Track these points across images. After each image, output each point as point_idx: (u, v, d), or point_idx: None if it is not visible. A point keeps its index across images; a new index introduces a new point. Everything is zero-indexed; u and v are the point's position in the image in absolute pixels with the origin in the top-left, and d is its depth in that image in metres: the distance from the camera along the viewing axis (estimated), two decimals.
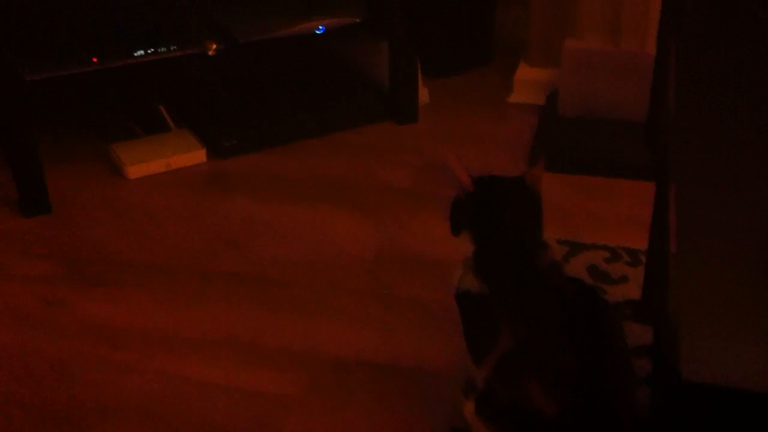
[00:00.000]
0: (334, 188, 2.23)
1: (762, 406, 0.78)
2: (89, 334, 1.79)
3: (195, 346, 1.75)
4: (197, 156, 2.34)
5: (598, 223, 2.06)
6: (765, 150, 1.09)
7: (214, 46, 2.25)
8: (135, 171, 2.28)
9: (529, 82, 2.60)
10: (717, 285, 0.89)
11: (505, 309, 1.29)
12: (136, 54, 2.20)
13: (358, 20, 2.41)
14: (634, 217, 2.03)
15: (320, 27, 2.37)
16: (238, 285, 1.91)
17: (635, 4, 2.29)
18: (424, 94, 2.58)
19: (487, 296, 1.33)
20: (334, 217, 2.12)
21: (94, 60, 2.16)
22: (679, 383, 0.78)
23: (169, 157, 2.31)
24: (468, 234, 1.41)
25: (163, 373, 1.69)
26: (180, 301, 1.87)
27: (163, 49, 2.22)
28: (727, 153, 1.10)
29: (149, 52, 2.21)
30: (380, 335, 1.76)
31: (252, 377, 1.67)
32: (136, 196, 2.22)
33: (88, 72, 2.16)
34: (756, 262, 0.91)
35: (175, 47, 2.24)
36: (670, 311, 0.92)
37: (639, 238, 1.84)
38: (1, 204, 2.17)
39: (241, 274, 1.94)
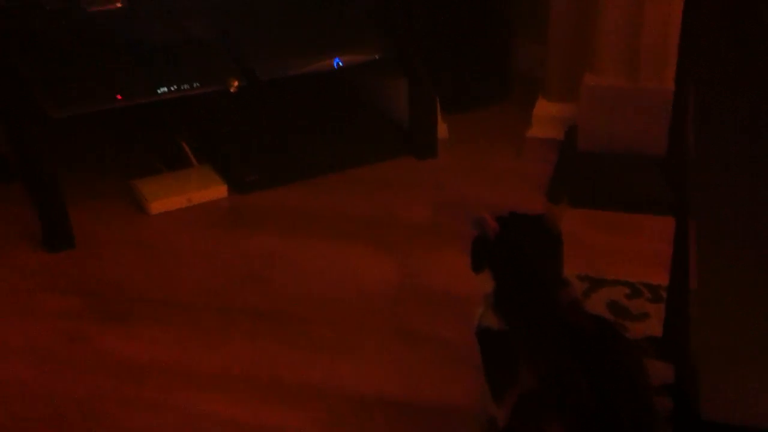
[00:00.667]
0: (354, 224, 2.24)
1: None
2: (112, 370, 1.79)
3: (216, 382, 1.75)
4: (218, 191, 2.37)
5: (618, 258, 2.05)
6: None
7: (236, 83, 2.28)
8: (157, 206, 2.30)
9: (547, 117, 2.61)
10: (737, 323, 0.89)
11: (525, 347, 1.29)
12: (159, 91, 2.23)
13: (376, 56, 2.43)
14: (654, 252, 2.02)
15: (339, 63, 2.39)
16: (259, 321, 1.91)
17: (653, 40, 2.30)
18: (442, 129, 2.60)
19: (507, 334, 1.33)
20: (355, 253, 2.13)
21: (119, 97, 2.19)
22: (699, 422, 0.78)
23: (190, 192, 2.33)
24: (489, 271, 1.41)
25: (185, 410, 1.69)
26: (201, 337, 1.88)
27: (185, 86, 2.25)
28: (746, 189, 1.10)
29: (172, 89, 2.24)
30: (400, 372, 1.76)
31: (272, 414, 1.67)
32: (159, 231, 2.24)
33: (112, 109, 2.18)
34: None
35: (198, 84, 2.26)
36: (691, 349, 0.92)
37: (660, 274, 1.84)
38: (25, 240, 2.19)
39: (262, 310, 1.95)
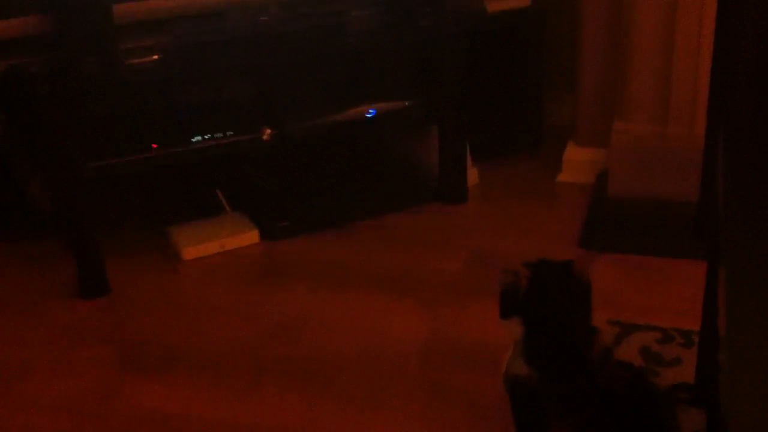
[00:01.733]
0: (384, 273, 2.25)
1: None
2: (144, 421, 1.80)
3: None
4: (250, 237, 2.39)
5: (649, 303, 2.05)
6: None
7: (269, 132, 2.31)
8: (190, 252, 2.33)
9: (577, 161, 2.62)
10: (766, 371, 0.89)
11: (555, 400, 1.29)
12: (193, 140, 2.27)
13: (407, 104, 2.46)
14: (686, 297, 2.01)
15: (371, 111, 2.43)
16: (289, 374, 1.91)
17: (683, 86, 2.31)
18: (473, 176, 2.61)
19: (536, 382, 1.32)
20: (385, 304, 2.13)
21: (154, 146, 2.24)
22: None
23: (223, 238, 2.37)
24: (518, 318, 1.41)
25: None
26: (233, 390, 1.88)
27: (219, 135, 2.29)
28: None
29: (206, 138, 2.28)
30: (432, 426, 1.74)
31: None
32: (192, 281, 2.27)
33: (148, 158, 2.23)
34: None
35: (231, 133, 2.30)
36: (721, 397, 0.91)
37: (692, 319, 1.82)
38: (61, 293, 2.22)
39: (292, 363, 1.95)
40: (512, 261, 1.45)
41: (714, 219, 1.55)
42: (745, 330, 0.95)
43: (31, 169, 2.42)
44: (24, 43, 2.04)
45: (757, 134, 1.32)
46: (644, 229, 2.31)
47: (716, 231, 1.45)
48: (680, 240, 2.23)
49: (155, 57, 2.13)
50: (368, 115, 2.42)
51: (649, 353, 1.87)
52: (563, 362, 1.33)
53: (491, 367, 1.83)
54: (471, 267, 2.25)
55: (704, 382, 1.66)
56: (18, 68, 2.03)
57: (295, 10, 2.31)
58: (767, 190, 1.19)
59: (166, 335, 2.06)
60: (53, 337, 2.08)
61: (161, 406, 1.84)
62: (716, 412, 1.22)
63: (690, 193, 2.31)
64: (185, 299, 2.19)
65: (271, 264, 2.33)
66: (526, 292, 1.40)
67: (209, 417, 1.81)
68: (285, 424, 1.77)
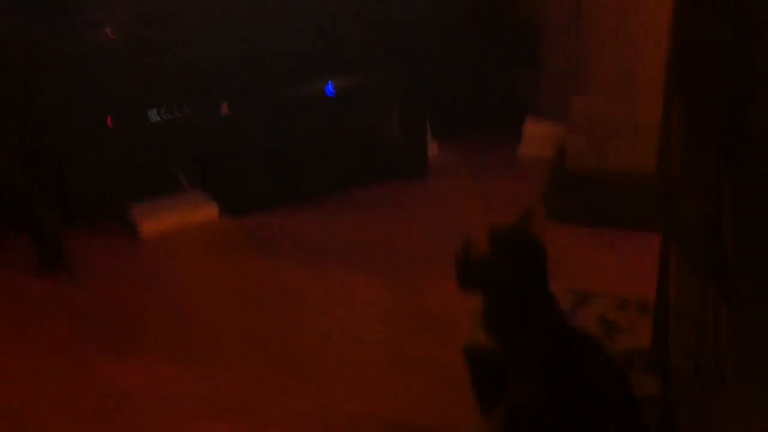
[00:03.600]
0: (346, 246, 2.26)
1: None
2: (107, 397, 1.80)
3: (213, 407, 1.76)
4: (210, 214, 2.38)
5: (606, 273, 2.07)
6: None
7: (227, 108, 2.30)
8: (149, 229, 2.32)
9: (538, 136, 2.64)
10: (710, 334, 0.91)
11: (513, 364, 1.31)
12: (150, 116, 2.25)
13: (369, 81, 2.46)
14: (642, 267, 2.04)
15: (332, 89, 2.42)
16: (252, 347, 1.92)
17: (641, 61, 2.33)
18: (434, 151, 2.62)
19: (496, 351, 1.34)
20: (347, 276, 2.14)
21: (110, 123, 2.21)
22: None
23: (183, 215, 2.35)
24: (479, 290, 1.42)
25: None
26: (194, 362, 1.88)
27: (177, 111, 2.27)
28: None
29: (164, 114, 2.26)
30: (395, 394, 1.76)
31: None
32: (152, 257, 2.25)
33: (104, 134, 2.20)
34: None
35: (189, 110, 2.28)
36: (670, 361, 0.93)
37: (648, 288, 1.85)
38: (23, 268, 2.21)
39: (256, 336, 1.95)
40: (472, 233, 1.46)
41: (667, 189, 1.57)
42: (692, 294, 0.97)
43: None
44: None
45: (711, 105, 1.34)
46: (601, 201, 2.34)
47: (669, 201, 1.48)
48: (636, 211, 2.26)
49: (108, 30, 2.11)
50: (327, 90, 2.41)
51: (606, 321, 1.89)
52: (522, 331, 1.34)
53: (452, 336, 1.85)
54: (432, 239, 2.26)
55: (658, 347, 1.70)
56: None
57: None
58: (717, 160, 1.21)
59: (127, 310, 2.05)
60: (13, 313, 2.06)
61: (124, 379, 1.84)
62: (666, 376, 1.25)
63: (646, 166, 2.34)
64: (146, 275, 2.18)
65: (232, 239, 2.32)
66: (486, 264, 1.40)
67: (171, 389, 1.80)
68: (246, 396, 1.78)
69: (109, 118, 2.22)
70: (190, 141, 2.56)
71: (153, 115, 2.25)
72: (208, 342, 1.94)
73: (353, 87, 2.44)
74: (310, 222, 2.36)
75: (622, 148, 2.39)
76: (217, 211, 2.39)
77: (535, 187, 2.44)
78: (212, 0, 2.27)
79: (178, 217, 2.35)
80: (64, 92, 2.24)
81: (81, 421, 1.73)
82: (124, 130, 2.22)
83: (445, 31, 2.66)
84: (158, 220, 2.34)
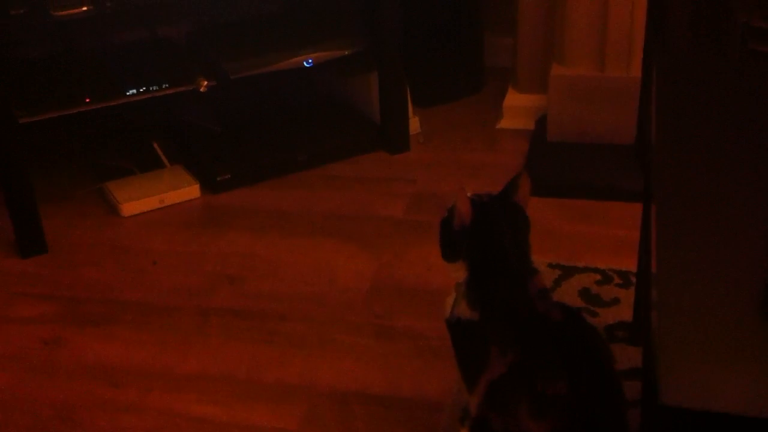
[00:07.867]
0: (328, 220, 2.25)
1: (741, 430, 0.79)
2: (88, 373, 1.80)
3: (193, 382, 1.76)
4: (191, 191, 2.37)
5: (588, 246, 2.08)
6: (744, 168, 1.11)
7: (206, 83, 2.28)
8: (129, 208, 2.30)
9: (517, 108, 2.63)
10: (696, 307, 0.91)
11: (495, 335, 1.31)
12: (128, 93, 2.23)
13: (347, 53, 2.44)
14: (624, 239, 2.05)
15: (309, 60, 2.40)
16: (235, 321, 1.92)
17: (619, 30, 2.33)
18: (414, 124, 2.61)
19: (478, 322, 1.34)
20: (329, 250, 2.14)
21: (87, 100, 2.19)
22: (658, 406, 0.79)
23: (163, 193, 2.34)
24: (462, 261, 1.42)
25: (163, 411, 1.70)
26: (177, 337, 1.88)
27: (155, 88, 2.25)
28: (707, 173, 1.12)
29: (141, 90, 2.24)
30: (378, 366, 1.77)
31: (250, 412, 1.68)
32: (132, 234, 2.24)
33: (81, 112, 2.18)
34: (735, 284, 0.93)
35: (167, 85, 2.26)
36: (653, 333, 0.93)
37: (630, 260, 1.86)
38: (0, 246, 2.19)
39: (238, 309, 1.96)
40: (454, 203, 1.45)
41: (648, 159, 1.57)
42: (674, 266, 0.96)
43: None
44: None
45: (689, 72, 1.33)
46: (583, 172, 2.34)
47: (649, 169, 1.48)
48: (618, 182, 2.26)
49: (85, 8, 2.08)
50: (306, 64, 2.40)
51: (588, 294, 1.90)
52: (504, 301, 1.34)
53: (434, 308, 1.86)
54: (414, 212, 2.26)
55: (640, 320, 1.70)
56: None
57: None
58: (698, 127, 1.21)
59: (107, 288, 2.05)
60: None
61: (105, 357, 1.84)
62: (648, 349, 1.25)
63: (628, 135, 2.34)
64: (126, 253, 2.17)
65: (214, 216, 2.31)
66: (468, 234, 1.40)
67: (155, 365, 1.81)
68: (231, 372, 1.78)
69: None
70: (169, 117, 2.55)
71: (131, 92, 2.23)
72: (189, 317, 1.94)
73: (331, 58, 2.42)
74: (293, 197, 2.35)
75: (602, 119, 2.39)
76: (199, 188, 2.37)
77: (516, 158, 2.44)
78: None
79: (158, 194, 2.33)
80: (44, 74, 2.21)
81: (58, 397, 1.73)
82: (102, 108, 2.20)
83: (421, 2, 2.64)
84: (139, 198, 2.32)
